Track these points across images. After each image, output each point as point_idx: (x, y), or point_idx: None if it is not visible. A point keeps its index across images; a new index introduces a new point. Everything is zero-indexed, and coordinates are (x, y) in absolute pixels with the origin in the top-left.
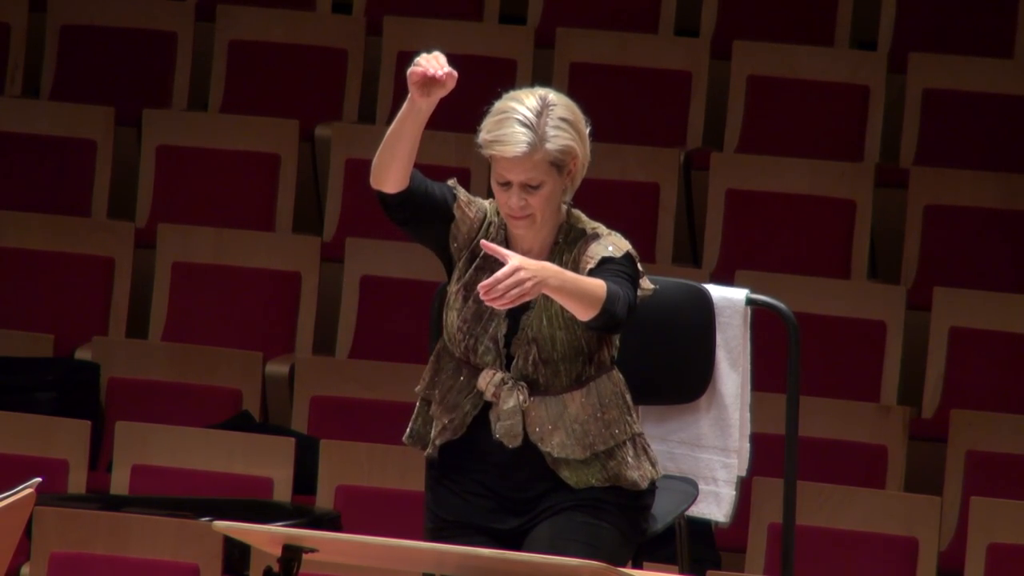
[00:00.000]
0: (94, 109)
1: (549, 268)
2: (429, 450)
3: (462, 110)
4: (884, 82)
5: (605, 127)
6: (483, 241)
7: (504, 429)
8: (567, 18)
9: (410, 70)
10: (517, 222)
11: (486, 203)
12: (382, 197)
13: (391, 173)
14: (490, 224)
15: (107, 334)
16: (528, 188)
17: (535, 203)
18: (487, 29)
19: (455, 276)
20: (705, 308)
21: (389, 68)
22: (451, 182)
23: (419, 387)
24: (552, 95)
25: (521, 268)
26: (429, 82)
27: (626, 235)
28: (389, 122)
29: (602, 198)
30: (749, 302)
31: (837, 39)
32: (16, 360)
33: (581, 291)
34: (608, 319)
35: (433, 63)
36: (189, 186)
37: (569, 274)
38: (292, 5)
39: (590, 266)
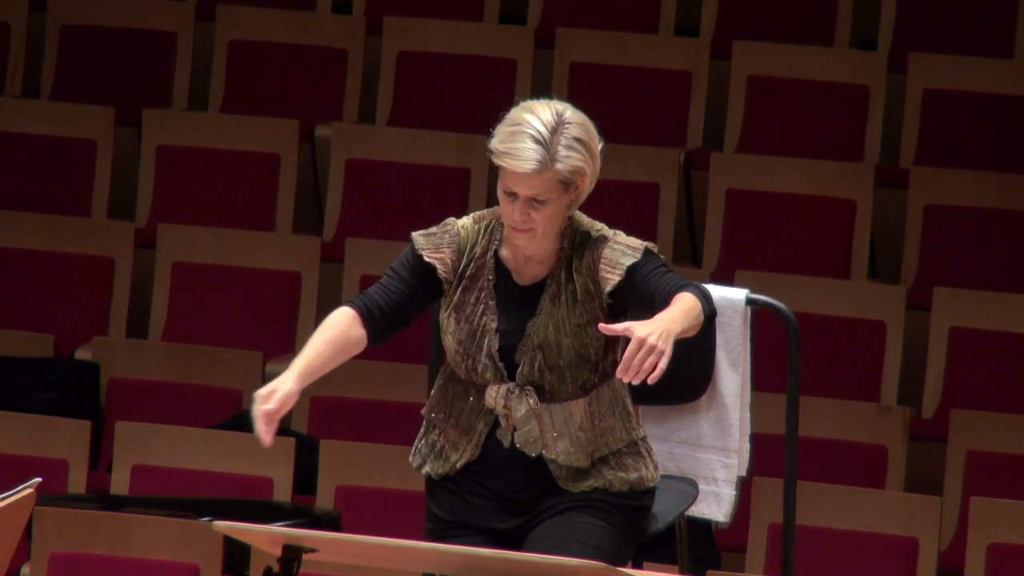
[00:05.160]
0: (94, 109)
1: (663, 320)
2: (446, 470)
3: (462, 110)
4: (884, 82)
5: (605, 127)
6: (601, 325)
7: (523, 437)
8: (567, 18)
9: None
10: (518, 234)
11: (458, 224)
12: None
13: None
14: (473, 245)
15: (107, 334)
16: (533, 203)
17: (538, 218)
18: (487, 29)
19: (444, 303)
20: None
21: (389, 68)
22: (412, 236)
23: (424, 409)
24: (569, 112)
25: (646, 337)
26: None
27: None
28: (389, 123)
29: (602, 198)
30: (749, 302)
31: (837, 39)
32: (16, 360)
33: (690, 319)
34: (710, 318)
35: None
36: (189, 186)
37: (677, 311)
38: (292, 5)
39: (616, 279)
